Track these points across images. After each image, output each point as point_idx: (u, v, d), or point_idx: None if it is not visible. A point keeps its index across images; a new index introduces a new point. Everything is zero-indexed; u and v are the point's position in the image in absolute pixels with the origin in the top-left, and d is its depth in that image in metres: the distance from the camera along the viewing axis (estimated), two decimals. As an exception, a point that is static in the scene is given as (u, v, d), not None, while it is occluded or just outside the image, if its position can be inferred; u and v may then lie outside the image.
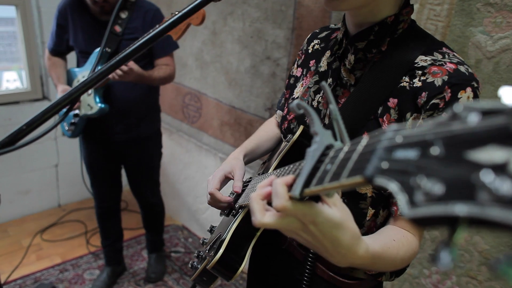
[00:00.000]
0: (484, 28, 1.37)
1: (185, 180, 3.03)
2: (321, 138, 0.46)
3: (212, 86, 2.57)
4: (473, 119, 0.25)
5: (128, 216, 3.23)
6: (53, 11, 2.91)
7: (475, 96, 0.68)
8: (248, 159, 1.09)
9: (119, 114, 2.07)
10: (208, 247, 0.95)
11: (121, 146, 2.20)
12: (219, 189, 0.97)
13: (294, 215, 0.48)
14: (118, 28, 1.95)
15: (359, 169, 0.34)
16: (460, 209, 0.24)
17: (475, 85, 0.69)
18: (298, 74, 1.01)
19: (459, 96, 0.67)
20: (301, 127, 0.85)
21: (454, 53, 0.75)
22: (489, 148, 0.23)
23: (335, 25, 1.04)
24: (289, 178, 0.49)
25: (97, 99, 1.96)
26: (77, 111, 2.02)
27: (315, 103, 0.90)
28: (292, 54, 2.05)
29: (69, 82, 2.12)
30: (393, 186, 0.29)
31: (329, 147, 0.45)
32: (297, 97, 0.96)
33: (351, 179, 0.35)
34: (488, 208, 0.22)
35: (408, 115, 0.73)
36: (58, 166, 3.28)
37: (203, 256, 0.97)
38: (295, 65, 1.05)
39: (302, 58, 1.03)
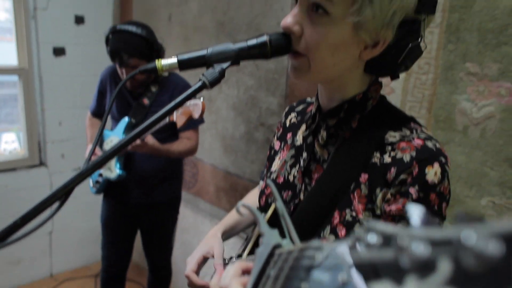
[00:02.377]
0: (468, 96, 1.42)
1: (182, 246, 2.98)
2: (268, 238, 0.46)
3: (208, 151, 2.60)
4: (375, 243, 0.25)
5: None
6: (55, 81, 3.04)
7: (443, 171, 0.69)
8: (228, 235, 1.09)
9: (137, 180, 2.15)
10: None
11: (137, 209, 2.25)
12: (198, 271, 0.98)
13: None
14: (146, 101, 2.07)
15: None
16: None
17: (443, 160, 0.69)
18: (277, 148, 1.03)
19: (426, 171, 0.68)
20: (272, 206, 0.85)
21: (422, 127, 0.77)
22: (383, 282, 0.23)
23: (311, 98, 1.06)
24: (245, 279, 0.49)
25: (117, 165, 2.06)
26: (101, 170, 2.12)
27: (291, 177, 0.90)
28: (285, 120, 2.10)
29: (101, 141, 2.24)
30: None
31: (277, 246, 0.46)
32: (275, 171, 0.96)
33: None
34: None
35: (377, 190, 0.73)
36: (52, 233, 3.22)
37: None
38: (275, 138, 1.07)
39: (281, 131, 1.04)
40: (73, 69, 3.14)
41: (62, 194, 0.60)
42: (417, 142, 0.71)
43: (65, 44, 3.07)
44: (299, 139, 0.93)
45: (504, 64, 1.32)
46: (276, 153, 1.02)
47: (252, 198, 1.19)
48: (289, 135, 0.99)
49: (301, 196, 0.85)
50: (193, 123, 2.09)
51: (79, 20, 3.10)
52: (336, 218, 0.75)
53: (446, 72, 1.47)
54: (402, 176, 0.69)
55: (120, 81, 2.13)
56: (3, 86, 3.20)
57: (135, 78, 1.98)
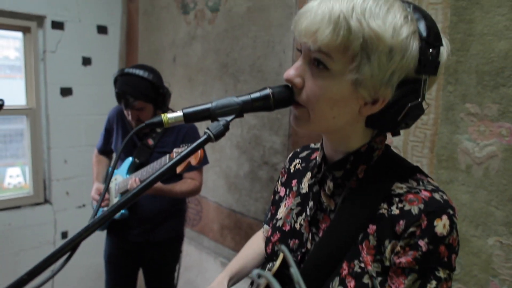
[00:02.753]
0: (469, 136, 1.43)
1: (185, 285, 2.93)
2: None
3: (212, 189, 2.61)
4: None
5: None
6: (61, 120, 3.09)
7: (452, 222, 0.69)
8: (235, 281, 1.08)
9: (139, 219, 2.15)
10: None
11: (139, 247, 2.24)
12: None
13: None
14: (151, 141, 2.10)
15: None
16: None
17: (451, 212, 0.70)
18: (282, 194, 1.03)
19: (435, 224, 0.68)
20: (281, 256, 0.84)
21: (428, 178, 0.77)
22: None
23: (314, 144, 1.06)
24: None
25: None
26: (105, 208, 2.14)
27: (297, 226, 0.90)
28: (289, 159, 2.12)
29: (106, 178, 2.28)
30: None
31: None
32: (281, 218, 0.96)
33: None
34: None
35: (386, 242, 0.72)
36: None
37: None
38: (279, 182, 1.06)
39: (285, 177, 1.04)
40: (79, 109, 3.21)
41: (69, 249, 0.61)
42: (425, 194, 0.72)
43: (72, 85, 3.15)
44: (304, 187, 0.93)
45: (503, 105, 1.34)
46: (281, 199, 1.02)
47: (257, 241, 1.19)
48: (294, 182, 0.99)
49: (308, 245, 0.85)
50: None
51: (86, 61, 3.19)
52: (345, 270, 0.75)
53: (446, 112, 1.49)
54: (411, 229, 0.69)
55: (127, 121, 2.18)
56: (11, 121, 3.26)
57: (141, 119, 2.01)
